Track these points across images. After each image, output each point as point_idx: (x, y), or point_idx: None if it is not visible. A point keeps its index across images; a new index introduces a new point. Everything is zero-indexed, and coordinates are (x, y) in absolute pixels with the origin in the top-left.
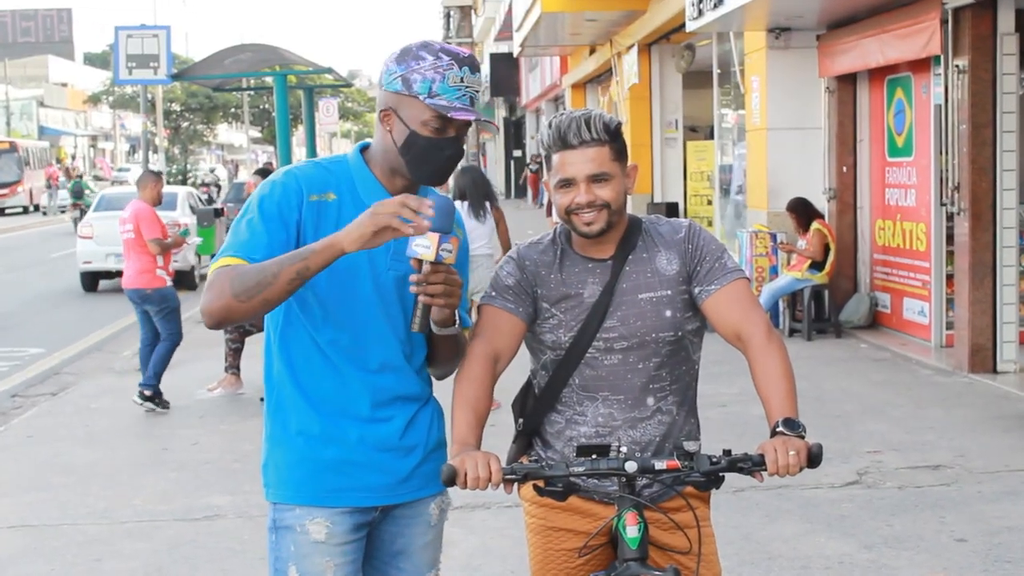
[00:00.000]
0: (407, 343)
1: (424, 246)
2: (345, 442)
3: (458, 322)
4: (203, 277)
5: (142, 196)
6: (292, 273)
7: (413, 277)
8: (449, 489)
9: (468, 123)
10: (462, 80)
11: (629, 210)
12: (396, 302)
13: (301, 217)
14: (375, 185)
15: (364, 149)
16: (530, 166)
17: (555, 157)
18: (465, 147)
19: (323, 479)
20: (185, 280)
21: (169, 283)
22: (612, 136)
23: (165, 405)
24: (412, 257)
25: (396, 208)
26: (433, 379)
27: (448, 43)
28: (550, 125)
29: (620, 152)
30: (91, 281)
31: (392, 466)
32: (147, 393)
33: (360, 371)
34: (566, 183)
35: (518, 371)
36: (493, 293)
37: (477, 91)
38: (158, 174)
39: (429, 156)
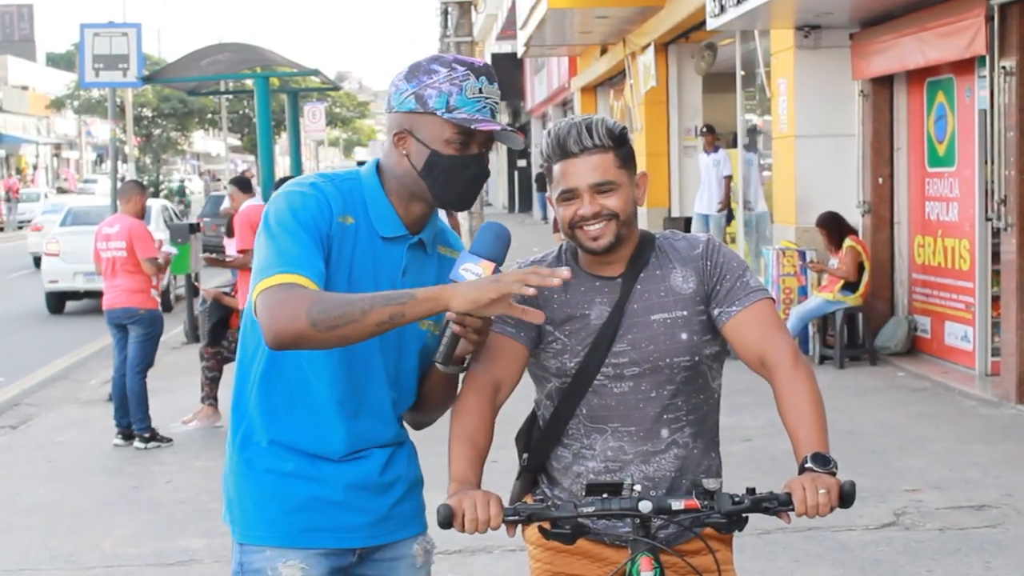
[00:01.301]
0: (396, 388)
1: (475, 273)
2: (320, 479)
3: (467, 363)
4: (179, 298)
5: (126, 210)
6: (384, 316)
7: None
8: (447, 532)
9: (491, 138)
10: (480, 91)
11: (643, 226)
12: (395, 345)
13: (331, 237)
14: (388, 212)
15: (380, 168)
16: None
17: (556, 168)
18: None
19: (297, 518)
20: (163, 301)
21: (159, 306)
22: (617, 141)
23: (168, 439)
24: (456, 281)
25: (523, 277)
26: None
27: (447, 39)
28: (549, 134)
29: (626, 159)
30: (57, 302)
31: (370, 504)
32: (147, 436)
33: (344, 413)
34: (568, 194)
35: (521, 401)
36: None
37: (496, 102)
38: (142, 185)
39: (454, 176)
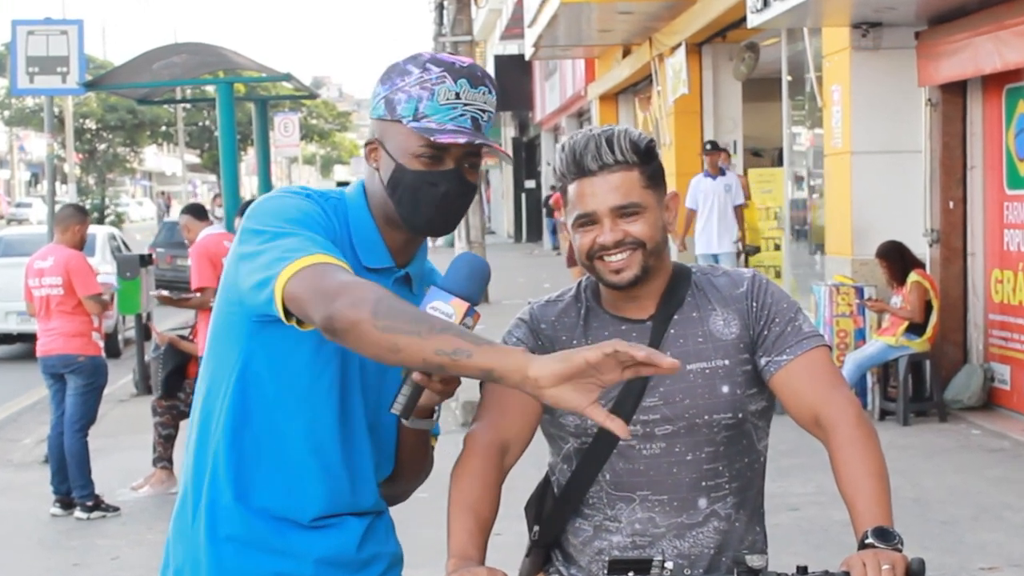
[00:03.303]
0: (376, 444)
1: (444, 314)
2: (288, 552)
3: (437, 414)
4: (128, 341)
5: (63, 239)
6: (448, 347)
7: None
8: None
9: (477, 153)
10: (457, 96)
11: (675, 258)
12: (375, 389)
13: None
14: (374, 238)
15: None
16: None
17: (571, 188)
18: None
19: None
20: (109, 345)
21: (103, 353)
22: (643, 157)
23: (114, 508)
24: None
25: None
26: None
27: (442, 38)
28: (563, 148)
29: (654, 177)
30: None
31: None
32: (89, 504)
33: (321, 466)
34: (586, 219)
35: (532, 464)
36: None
37: (483, 110)
38: (83, 211)
39: (420, 196)
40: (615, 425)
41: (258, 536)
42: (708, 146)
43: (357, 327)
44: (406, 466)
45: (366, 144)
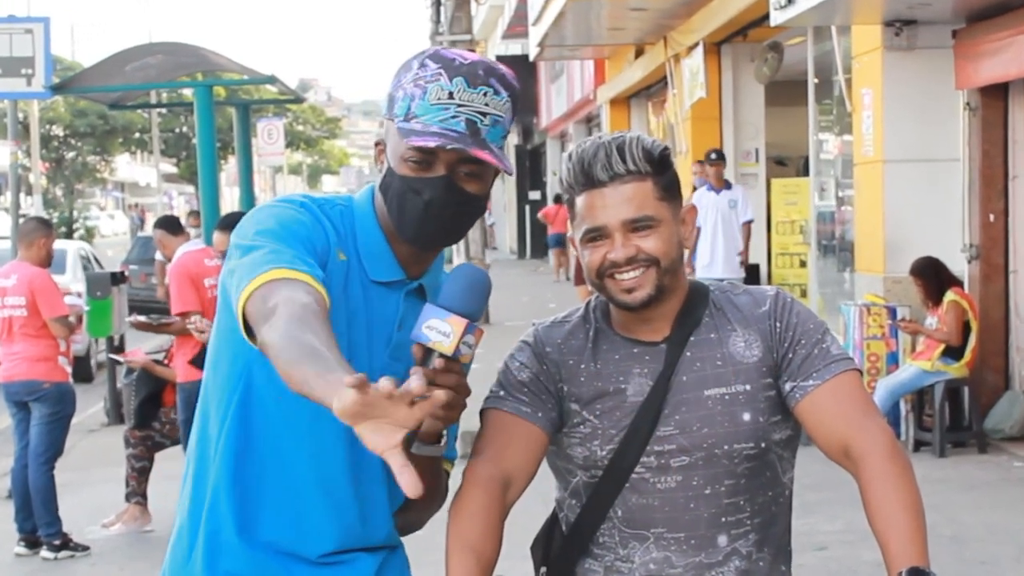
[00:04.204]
0: (390, 474)
1: (442, 333)
2: None
3: (444, 439)
4: (102, 365)
5: (27, 256)
6: (304, 391)
7: (414, 371)
8: None
9: (470, 159)
10: (451, 95)
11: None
12: None
13: (329, 273)
14: (382, 249)
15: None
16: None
17: (579, 200)
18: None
19: None
20: (80, 368)
21: (71, 379)
22: (657, 166)
23: (84, 547)
24: (418, 343)
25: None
26: None
27: (439, 37)
28: (571, 157)
29: (669, 188)
30: None
31: None
32: (56, 543)
33: (329, 503)
34: (595, 234)
35: (537, 499)
36: (501, 392)
37: (482, 113)
38: (48, 224)
39: (405, 203)
40: (407, 480)
41: (262, 573)
42: (713, 155)
43: (271, 356)
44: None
45: (376, 143)
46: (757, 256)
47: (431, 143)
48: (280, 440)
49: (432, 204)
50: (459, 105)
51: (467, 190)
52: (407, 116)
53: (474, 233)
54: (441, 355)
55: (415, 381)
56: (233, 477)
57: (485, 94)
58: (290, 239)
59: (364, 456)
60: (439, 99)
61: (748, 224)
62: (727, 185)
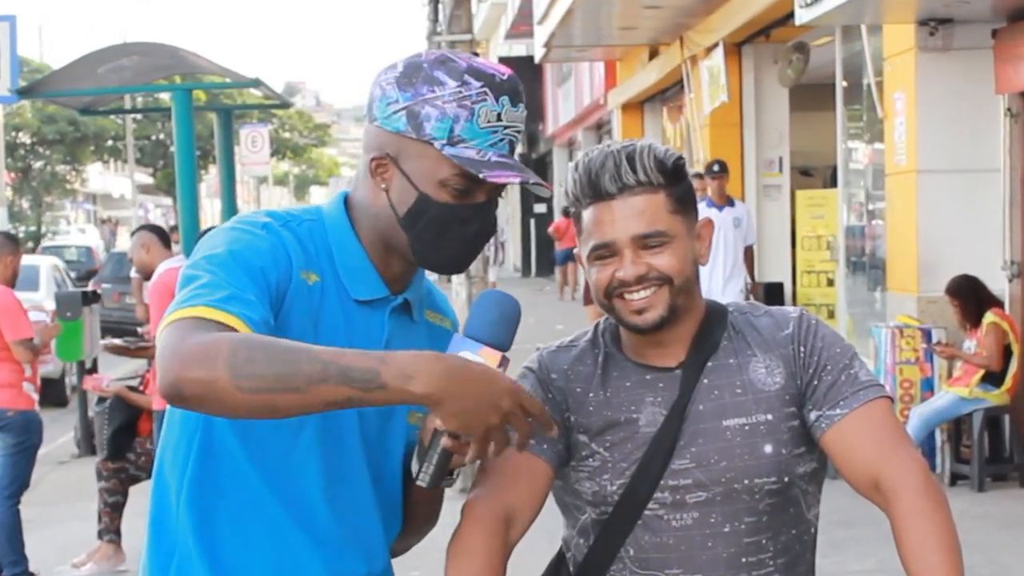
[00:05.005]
0: (381, 499)
1: None
2: None
3: (458, 473)
4: (75, 388)
5: None
6: (339, 397)
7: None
8: None
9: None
10: (499, 117)
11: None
12: (376, 440)
13: (287, 298)
14: (363, 265)
15: (349, 202)
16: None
17: (586, 213)
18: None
19: None
20: (53, 392)
21: (37, 406)
22: (670, 177)
23: None
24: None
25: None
26: None
27: (436, 37)
28: (577, 167)
29: (683, 200)
30: None
31: None
32: None
33: (315, 543)
34: (604, 250)
35: (540, 537)
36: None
37: (519, 132)
38: (14, 240)
39: (447, 233)
40: (547, 426)
41: None
42: (714, 167)
43: (211, 389)
44: (413, 523)
45: (373, 158)
46: (780, 274)
47: (515, 179)
48: (251, 482)
49: (481, 235)
50: (505, 127)
51: (495, 216)
52: (452, 139)
53: None
54: None
55: None
56: (201, 525)
57: (522, 111)
58: (236, 271)
59: (353, 489)
60: (489, 123)
61: (750, 249)
62: (730, 201)
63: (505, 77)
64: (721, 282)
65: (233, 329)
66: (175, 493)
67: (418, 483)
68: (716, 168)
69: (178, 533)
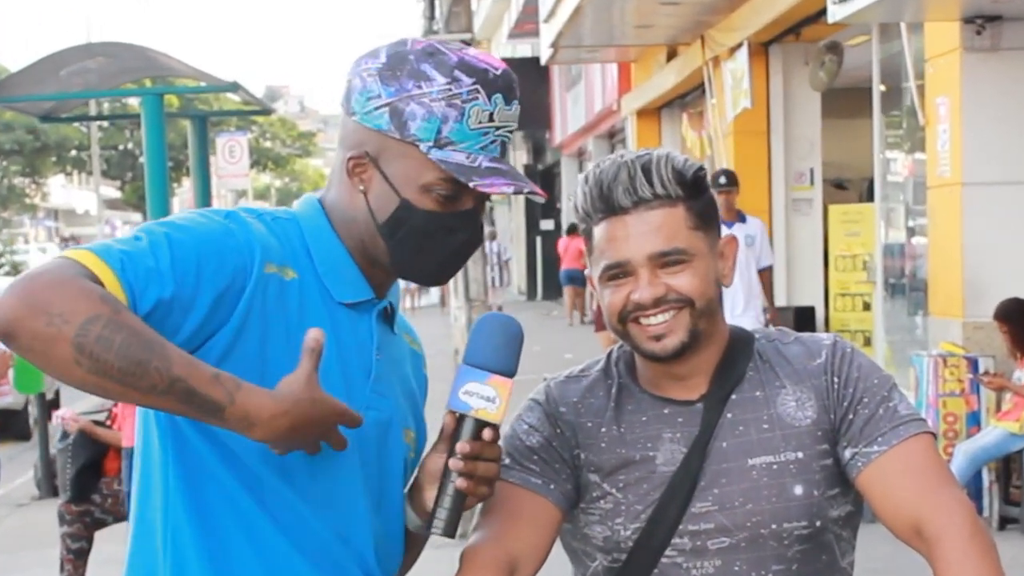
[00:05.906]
0: (383, 532)
1: (485, 399)
2: None
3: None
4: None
5: None
6: (173, 410)
7: (461, 447)
8: None
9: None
10: (491, 117)
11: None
12: (375, 460)
13: (243, 294)
14: (346, 265)
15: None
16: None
17: (597, 230)
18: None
19: None
20: (15, 425)
21: None
22: (690, 190)
23: None
24: (455, 412)
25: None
26: None
27: (434, 36)
28: (587, 179)
29: (704, 215)
30: None
31: None
32: None
33: (314, 568)
34: (617, 270)
35: None
36: (507, 460)
37: (511, 132)
38: None
39: (429, 242)
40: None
41: None
42: (722, 179)
43: (47, 350)
44: (406, 560)
45: (350, 157)
46: (812, 297)
47: (507, 189)
48: (239, 507)
49: (467, 244)
50: (497, 128)
51: (481, 224)
52: (439, 141)
53: (475, 270)
54: (489, 424)
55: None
56: (196, 570)
57: (515, 108)
58: (162, 244)
59: (353, 520)
60: (480, 124)
61: (768, 272)
62: (740, 217)
63: (499, 72)
64: (737, 301)
65: (100, 283)
66: (160, 535)
67: (432, 531)
68: (723, 180)
69: (160, 560)
